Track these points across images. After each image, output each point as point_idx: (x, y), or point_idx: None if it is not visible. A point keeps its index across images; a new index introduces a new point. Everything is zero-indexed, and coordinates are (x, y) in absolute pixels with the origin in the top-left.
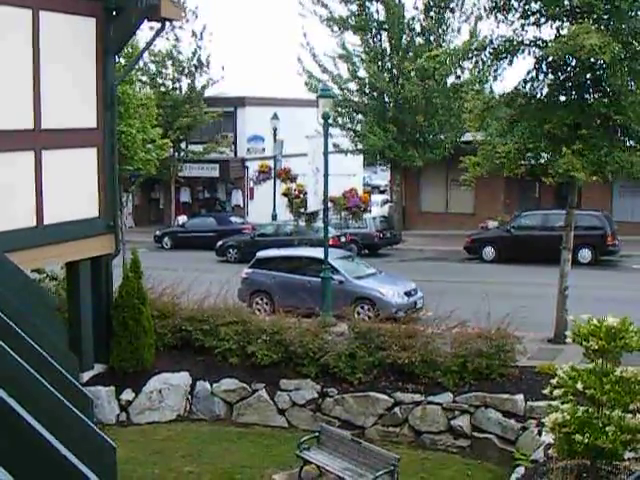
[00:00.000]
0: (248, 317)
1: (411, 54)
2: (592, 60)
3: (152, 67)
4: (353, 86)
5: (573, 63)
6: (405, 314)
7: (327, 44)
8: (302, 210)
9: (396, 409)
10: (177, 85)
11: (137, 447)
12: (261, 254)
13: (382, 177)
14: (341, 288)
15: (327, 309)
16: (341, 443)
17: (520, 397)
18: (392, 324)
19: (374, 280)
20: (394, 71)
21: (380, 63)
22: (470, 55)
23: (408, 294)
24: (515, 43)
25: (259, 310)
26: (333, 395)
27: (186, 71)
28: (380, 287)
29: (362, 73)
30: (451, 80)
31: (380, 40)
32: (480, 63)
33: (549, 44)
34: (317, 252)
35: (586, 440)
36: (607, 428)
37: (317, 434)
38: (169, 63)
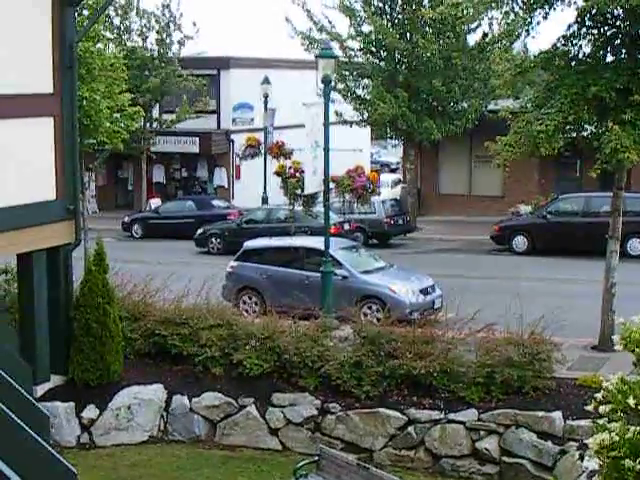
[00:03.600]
0: (234, 319)
1: (426, 3)
2: None
3: (116, 21)
4: (357, 45)
5: (622, 14)
6: (421, 316)
7: None
8: (298, 192)
9: (410, 428)
10: (145, 41)
11: (102, 474)
12: (249, 244)
13: (393, 153)
14: (345, 285)
15: (328, 309)
16: (345, 469)
17: (558, 415)
18: (405, 327)
19: (384, 275)
20: (406, 25)
21: (389, 16)
22: (499, 3)
23: (424, 292)
24: None
25: (247, 311)
26: (335, 412)
27: (154, 24)
28: (391, 283)
29: (367, 28)
30: (475, 37)
31: None
32: (511, 14)
33: None
34: (316, 242)
35: (638, 466)
36: None
37: (316, 458)
38: (133, 14)
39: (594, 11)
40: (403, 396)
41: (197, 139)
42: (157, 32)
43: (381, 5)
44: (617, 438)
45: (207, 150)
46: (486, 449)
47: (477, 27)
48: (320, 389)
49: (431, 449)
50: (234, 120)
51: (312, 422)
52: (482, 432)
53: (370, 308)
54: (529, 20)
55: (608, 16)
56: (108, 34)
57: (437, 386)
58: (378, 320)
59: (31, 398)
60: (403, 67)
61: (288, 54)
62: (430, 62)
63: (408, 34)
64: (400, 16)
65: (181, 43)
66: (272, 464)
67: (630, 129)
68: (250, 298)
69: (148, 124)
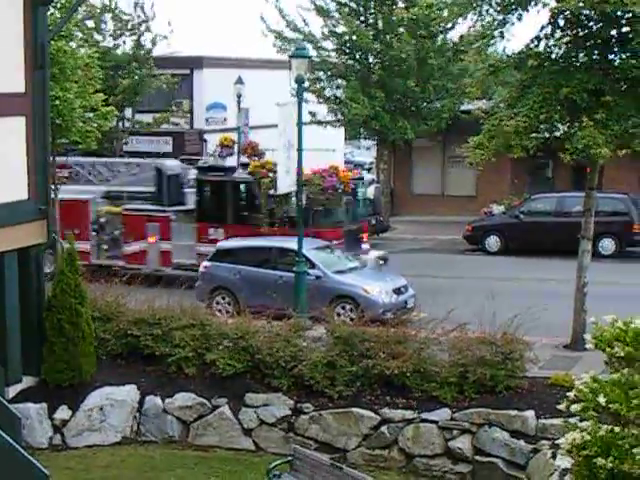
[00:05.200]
0: (207, 319)
1: (401, 5)
2: (619, 13)
3: (89, 22)
4: (331, 45)
5: (595, 17)
6: (394, 315)
7: None
8: (272, 192)
9: (384, 428)
10: (119, 42)
11: (74, 476)
12: (223, 244)
13: (367, 153)
14: (318, 285)
15: (302, 310)
16: (318, 469)
17: (531, 414)
18: (379, 327)
19: (357, 275)
20: (380, 26)
21: (363, 17)
22: (474, 5)
23: (398, 292)
24: None
25: (220, 311)
26: (309, 412)
27: (129, 26)
28: (365, 284)
29: (341, 29)
30: (449, 37)
31: None
32: (485, 16)
33: None
34: (290, 242)
35: (610, 464)
36: (635, 450)
37: (290, 458)
38: (108, 16)
39: (567, 13)
40: (376, 396)
41: (170, 139)
42: (130, 32)
43: (355, 6)
44: (589, 437)
45: (180, 150)
46: (459, 448)
47: (451, 28)
48: (293, 389)
49: (404, 448)
50: (207, 120)
51: (285, 422)
52: (455, 431)
53: (343, 308)
54: (503, 22)
55: (581, 18)
56: (81, 34)
57: (410, 386)
58: (351, 320)
59: (3, 399)
60: (377, 67)
61: (262, 54)
62: (404, 62)
63: (382, 35)
64: (374, 17)
65: (154, 43)
66: (245, 464)
67: (601, 128)
68: (223, 298)
69: (121, 124)
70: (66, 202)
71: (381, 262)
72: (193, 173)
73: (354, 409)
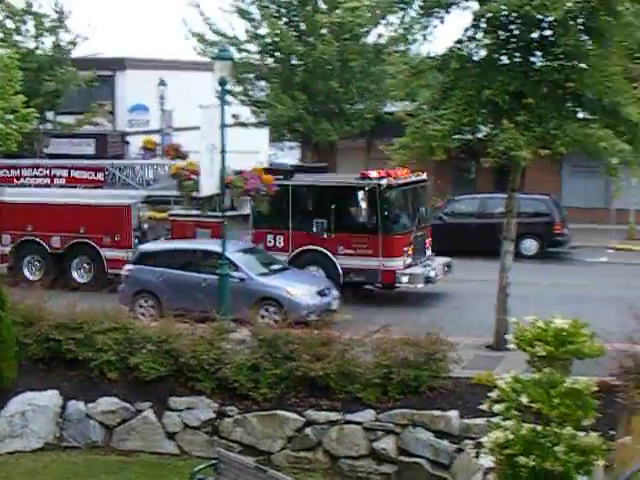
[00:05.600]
0: (130, 323)
1: (323, 6)
2: (540, 17)
3: (8, 23)
4: (254, 47)
5: (517, 20)
6: (318, 317)
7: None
8: (194, 194)
9: (308, 430)
10: (40, 44)
11: None
12: (146, 247)
13: (291, 155)
14: (242, 287)
15: (225, 312)
16: (243, 472)
17: (454, 414)
18: (303, 329)
19: (282, 277)
20: (303, 28)
21: (286, 18)
22: (396, 8)
23: (321, 294)
24: None
25: (144, 314)
26: (233, 415)
27: (48, 26)
28: (288, 286)
29: (264, 31)
30: (372, 39)
31: None
32: (407, 18)
33: None
34: (214, 245)
35: (532, 463)
36: (556, 448)
37: (214, 462)
38: (28, 18)
39: (489, 15)
40: (301, 398)
41: (93, 141)
42: (49, 32)
43: (277, 8)
44: (511, 436)
45: (103, 152)
46: (383, 449)
47: (374, 29)
48: (217, 392)
49: (329, 450)
50: (130, 122)
51: (210, 425)
52: (379, 432)
53: (267, 310)
54: (425, 24)
55: (503, 20)
56: (1, 35)
57: (334, 387)
58: (276, 322)
59: None
60: (300, 69)
61: (186, 56)
62: (327, 64)
63: (305, 37)
64: (297, 19)
65: (74, 44)
66: (169, 469)
67: (523, 130)
68: (147, 301)
69: (42, 125)
70: (104, 207)
71: (446, 269)
72: None
73: (278, 411)
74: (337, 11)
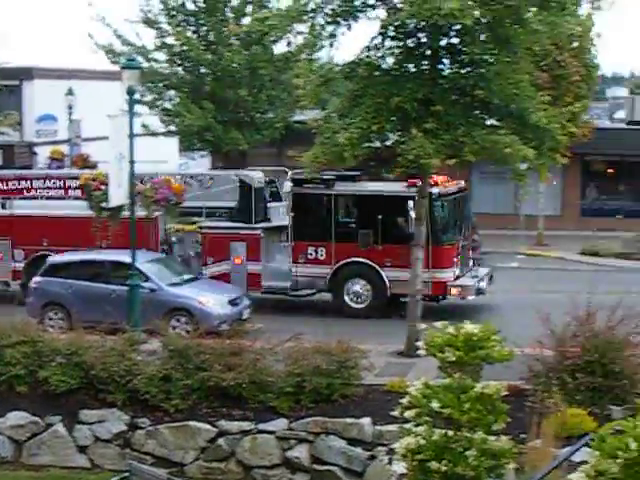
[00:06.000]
0: (39, 336)
1: (231, 15)
2: (448, 25)
3: None
4: (162, 56)
5: (425, 28)
6: (230, 327)
7: (127, 8)
8: (103, 205)
9: (221, 440)
10: None
11: None
12: (54, 259)
13: (202, 164)
14: (153, 298)
15: (135, 323)
16: None
17: (367, 421)
18: (214, 339)
19: (193, 287)
20: (211, 37)
21: (194, 27)
22: (305, 17)
23: (233, 303)
24: (358, 3)
25: (53, 327)
26: (145, 426)
27: None
28: (200, 295)
29: (172, 40)
30: (281, 47)
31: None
32: (317, 26)
33: (400, 6)
34: (123, 256)
35: (444, 468)
36: (468, 453)
37: (126, 475)
38: None
39: (397, 24)
40: (213, 408)
41: None
42: None
43: (184, 17)
44: (423, 441)
45: (10, 162)
46: (297, 458)
47: (283, 37)
48: (129, 404)
49: (242, 460)
50: (37, 132)
51: (121, 438)
52: (292, 441)
53: (179, 321)
54: (333, 32)
55: (411, 28)
56: None
57: (247, 397)
58: (187, 333)
59: None
60: (209, 78)
61: (95, 65)
62: (236, 73)
63: (214, 46)
64: (205, 28)
65: None
66: None
67: (432, 138)
68: (56, 314)
69: None
70: (127, 219)
71: (489, 279)
72: (287, 185)
73: (190, 422)
74: (246, 19)
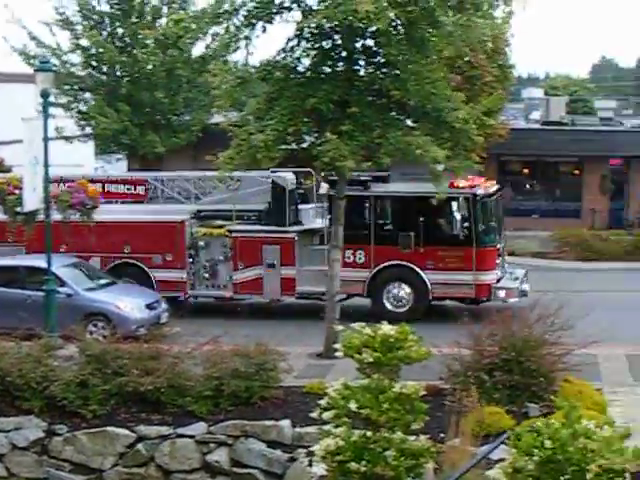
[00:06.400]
0: None
1: (148, 18)
2: (363, 26)
3: None
4: (77, 58)
5: (341, 30)
6: (147, 331)
7: (43, 9)
8: (18, 209)
9: (139, 445)
10: None
11: None
12: None
13: (118, 167)
14: (69, 303)
15: (52, 329)
16: None
17: (286, 423)
18: (132, 344)
19: (110, 292)
20: (127, 39)
21: (109, 28)
22: (221, 19)
23: (150, 307)
24: (274, 6)
25: None
26: (62, 433)
27: None
28: (117, 300)
29: (86, 42)
30: (198, 49)
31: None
32: (232, 28)
33: (316, 8)
34: (38, 260)
35: (363, 468)
36: (387, 453)
37: None
38: None
39: (313, 26)
40: (131, 413)
41: None
42: None
43: (98, 18)
44: (342, 442)
45: None
46: (216, 461)
47: (199, 39)
48: (46, 411)
49: (162, 465)
50: None
51: (39, 445)
52: (212, 445)
53: (96, 326)
54: (248, 35)
55: (326, 30)
56: None
57: (165, 401)
58: (104, 337)
59: None
60: (125, 80)
61: (7, 67)
62: (152, 75)
63: (129, 48)
64: (120, 30)
65: None
66: None
67: (347, 140)
68: None
69: None
70: (153, 224)
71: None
72: (324, 187)
73: (109, 428)
74: (162, 21)
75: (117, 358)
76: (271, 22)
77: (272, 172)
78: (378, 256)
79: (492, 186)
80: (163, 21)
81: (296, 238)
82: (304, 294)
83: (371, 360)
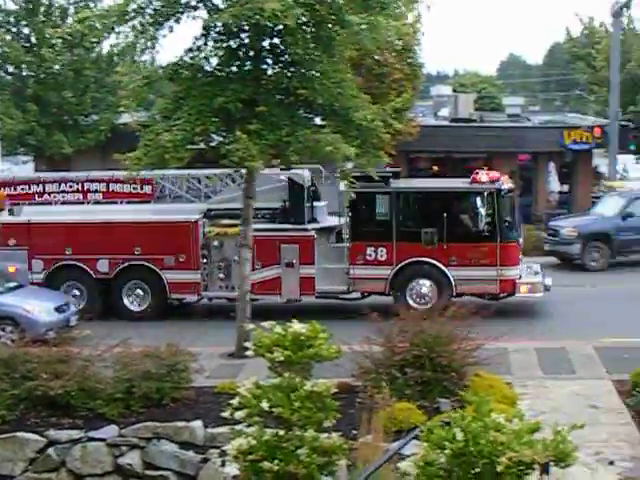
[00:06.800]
0: None
1: (55, 17)
2: (270, 25)
3: None
4: None
5: (248, 28)
6: (57, 334)
7: None
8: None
9: (50, 450)
10: None
11: None
12: None
13: (25, 169)
14: None
15: None
16: None
17: (198, 424)
18: (41, 347)
19: (17, 295)
20: (33, 38)
21: (15, 28)
22: (127, 18)
23: (59, 310)
24: (180, 5)
25: None
26: None
27: None
28: (25, 303)
29: None
30: (106, 49)
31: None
32: (139, 27)
33: (222, 7)
34: None
35: (276, 467)
36: (299, 451)
37: None
38: None
39: (219, 25)
40: (41, 418)
41: None
42: None
43: (5, 18)
44: (254, 442)
45: None
46: (129, 464)
47: (105, 38)
48: None
49: (73, 469)
50: None
51: None
52: (124, 447)
53: (4, 329)
54: (154, 34)
55: (233, 29)
56: None
57: (76, 405)
58: (12, 341)
59: None
60: (31, 80)
61: None
62: (59, 75)
63: (35, 47)
64: (27, 29)
65: None
66: None
67: (256, 139)
68: None
69: None
70: (165, 224)
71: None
72: (343, 184)
73: (18, 433)
74: (68, 21)
75: (26, 362)
76: (178, 21)
77: (282, 169)
78: (400, 253)
79: (508, 180)
80: (71, 20)
81: (315, 236)
82: (323, 293)
83: (282, 359)
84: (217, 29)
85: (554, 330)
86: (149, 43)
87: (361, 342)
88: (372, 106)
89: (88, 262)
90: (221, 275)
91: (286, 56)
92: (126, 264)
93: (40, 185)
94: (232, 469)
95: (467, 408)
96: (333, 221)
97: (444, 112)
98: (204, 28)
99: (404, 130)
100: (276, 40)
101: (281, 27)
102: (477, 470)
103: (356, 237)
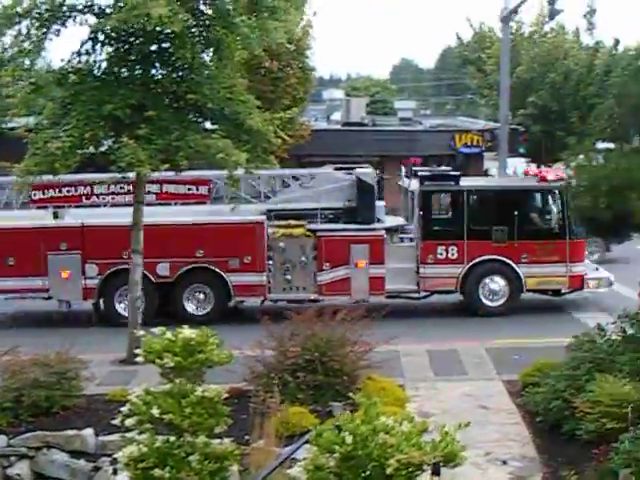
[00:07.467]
0: None
1: None
2: (158, 30)
3: None
4: None
5: (136, 33)
6: None
7: None
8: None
9: None
10: None
11: None
12: None
13: None
14: None
15: None
16: None
17: (89, 432)
18: None
19: None
20: None
21: None
22: (13, 22)
23: None
24: (65, 8)
25: None
26: None
27: None
28: None
29: None
30: None
31: None
32: (25, 31)
33: (109, 12)
34: None
35: (167, 474)
36: (191, 458)
37: None
38: None
39: (107, 29)
40: None
41: None
42: None
43: None
44: (145, 449)
45: None
46: (18, 475)
47: None
48: None
49: None
50: None
51: None
52: (12, 458)
53: None
54: (42, 37)
55: (121, 33)
56: None
57: None
58: None
59: None
60: None
61: None
62: None
63: None
64: None
65: None
66: None
67: (145, 144)
68: None
69: None
70: (229, 225)
71: None
72: (414, 183)
73: None
74: None
75: None
76: (65, 25)
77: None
78: (472, 251)
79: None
80: None
81: (385, 236)
82: (393, 293)
83: (172, 365)
84: (105, 33)
85: (446, 332)
86: (35, 48)
87: (253, 346)
88: (262, 113)
89: (147, 266)
90: (290, 277)
91: (175, 60)
92: (188, 267)
93: (87, 187)
94: (123, 477)
95: (358, 411)
96: (396, 220)
97: (336, 116)
98: (92, 32)
99: (296, 134)
100: (164, 44)
101: (169, 31)
102: (367, 473)
103: (427, 236)
